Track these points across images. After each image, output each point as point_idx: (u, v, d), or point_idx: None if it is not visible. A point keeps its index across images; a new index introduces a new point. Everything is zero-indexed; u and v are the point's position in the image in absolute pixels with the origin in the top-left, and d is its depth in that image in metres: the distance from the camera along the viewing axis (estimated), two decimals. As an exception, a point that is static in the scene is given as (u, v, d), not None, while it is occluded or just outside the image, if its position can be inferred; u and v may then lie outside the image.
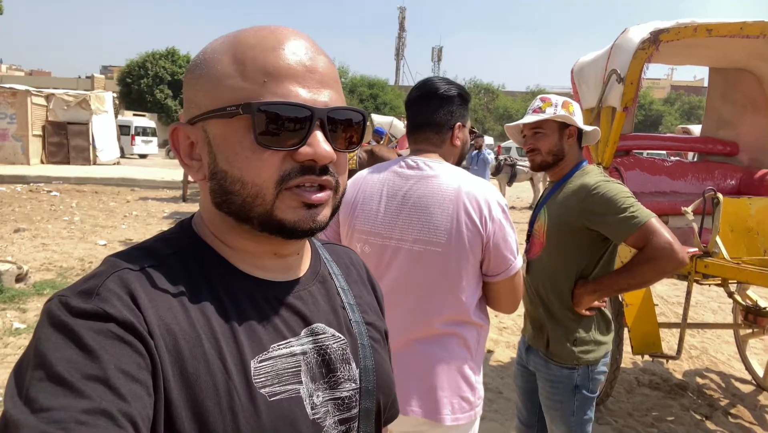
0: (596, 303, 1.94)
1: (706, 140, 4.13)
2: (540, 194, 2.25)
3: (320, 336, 0.72)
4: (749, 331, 3.96)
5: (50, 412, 0.48)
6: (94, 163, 18.44)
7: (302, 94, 0.63)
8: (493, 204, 1.48)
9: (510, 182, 14.55)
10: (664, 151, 9.00)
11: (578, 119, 1.99)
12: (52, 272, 5.90)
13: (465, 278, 1.46)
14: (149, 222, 9.34)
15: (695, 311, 5.81)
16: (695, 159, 4.81)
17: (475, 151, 10.59)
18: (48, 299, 0.58)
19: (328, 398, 0.70)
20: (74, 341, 0.53)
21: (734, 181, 3.93)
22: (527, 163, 14.50)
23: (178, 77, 38.95)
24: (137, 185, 14.69)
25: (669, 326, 3.57)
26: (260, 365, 0.64)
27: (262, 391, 0.63)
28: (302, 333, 0.70)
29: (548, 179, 2.17)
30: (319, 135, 0.63)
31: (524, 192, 16.42)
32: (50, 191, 12.34)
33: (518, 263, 1.54)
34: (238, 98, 0.63)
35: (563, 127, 1.98)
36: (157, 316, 0.59)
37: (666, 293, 6.27)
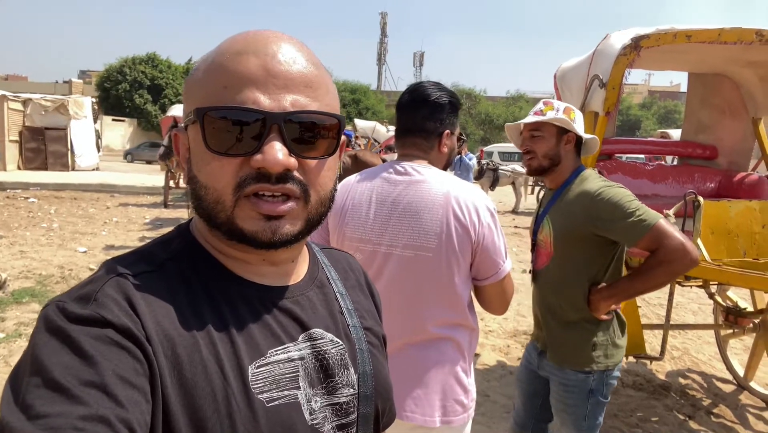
0: (613, 306, 1.94)
1: (686, 144, 4.21)
2: (538, 203, 2.26)
3: (318, 341, 0.71)
4: (730, 331, 4.03)
5: (47, 418, 0.48)
6: (73, 169, 18.14)
7: (261, 99, 0.61)
8: (482, 208, 1.49)
9: (492, 186, 14.66)
10: (642, 156, 9.15)
11: (579, 126, 1.97)
12: (31, 279, 5.78)
13: (456, 281, 1.47)
14: (130, 228, 9.21)
15: (676, 312, 5.90)
16: (674, 162, 4.90)
17: (458, 156, 10.64)
18: (45, 305, 0.58)
19: (326, 403, 0.70)
20: (71, 346, 0.53)
21: (714, 185, 4.01)
22: (509, 168, 14.67)
23: (158, 82, 38.59)
24: (117, 191, 14.48)
25: (652, 327, 3.62)
26: (258, 370, 0.64)
27: (260, 396, 0.62)
28: (300, 338, 0.69)
29: (546, 187, 2.16)
30: (274, 141, 0.61)
31: (506, 196, 16.56)
32: (28, 198, 12.11)
33: (507, 266, 1.56)
34: (199, 105, 0.63)
35: (562, 132, 1.97)
36: (154, 321, 0.59)
37: (647, 294, 6.35)
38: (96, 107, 21.57)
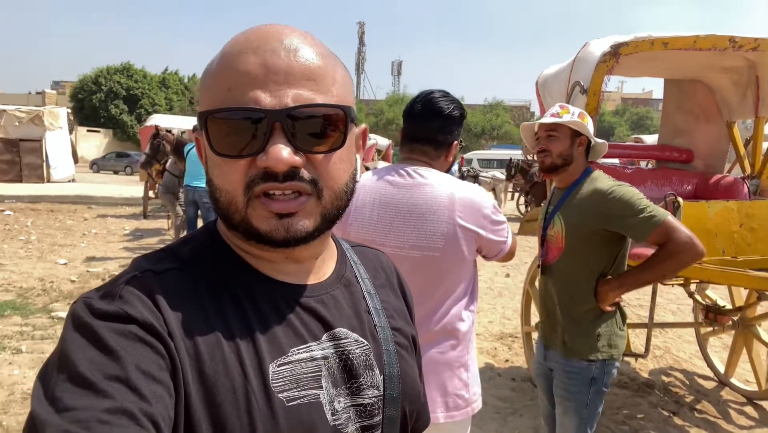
0: (618, 298, 2.02)
1: (663, 148, 4.33)
2: (546, 200, 2.37)
3: (342, 341, 0.70)
4: (710, 329, 4.14)
5: (74, 412, 0.49)
6: (48, 181, 17.82)
7: (262, 98, 0.60)
8: (486, 207, 1.57)
9: (473, 193, 14.81)
10: (616, 160, 9.35)
11: (591, 131, 2.09)
12: (12, 292, 5.67)
13: (461, 279, 1.52)
14: (110, 240, 9.09)
15: (656, 313, 6.00)
16: (649, 166, 5.03)
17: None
18: (74, 301, 0.59)
19: (349, 404, 0.69)
20: (96, 342, 0.54)
21: (691, 187, 4.13)
22: (489, 174, 14.82)
23: (134, 92, 38.19)
24: (94, 202, 14.27)
25: (636, 326, 3.71)
26: (279, 369, 0.63)
27: (280, 395, 0.62)
28: (323, 337, 0.69)
29: (555, 186, 2.27)
30: (278, 140, 0.60)
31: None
32: (3, 210, 11.86)
33: (509, 241, 1.66)
34: (204, 108, 0.63)
35: (576, 135, 2.08)
36: (177, 318, 0.59)
37: (627, 296, 6.47)
38: (71, 118, 21.24)
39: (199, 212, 7.07)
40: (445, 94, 1.65)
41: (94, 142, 36.16)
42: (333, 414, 0.66)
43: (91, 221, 11.29)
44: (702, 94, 4.10)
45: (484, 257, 1.64)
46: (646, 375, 4.32)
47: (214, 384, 0.59)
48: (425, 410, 0.87)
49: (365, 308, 0.76)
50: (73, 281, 6.21)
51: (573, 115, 2.08)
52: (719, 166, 4.10)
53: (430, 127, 1.61)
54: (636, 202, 1.93)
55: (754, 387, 3.95)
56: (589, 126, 2.10)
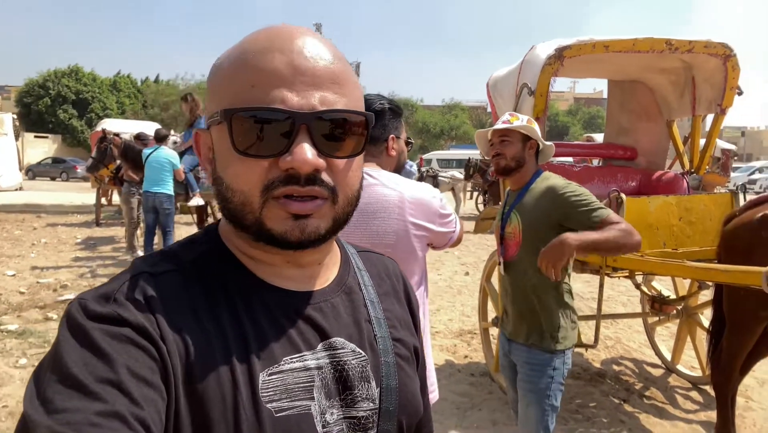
0: (554, 273, 2.04)
1: (609, 146, 4.51)
2: (502, 202, 2.51)
3: (338, 351, 0.68)
4: (656, 319, 4.34)
5: (65, 414, 0.49)
6: (-7, 190, 17.11)
7: (289, 98, 0.60)
8: (434, 202, 1.65)
9: (432, 193, 14.97)
10: (571, 158, 9.64)
11: (539, 135, 2.27)
12: (-45, 307, 5.44)
13: (413, 274, 1.59)
14: (61, 249, 8.79)
15: (607, 304, 6.25)
16: (599, 164, 5.22)
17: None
18: (70, 302, 0.59)
19: (342, 416, 0.67)
20: (89, 343, 0.54)
21: (635, 183, 4.32)
22: (448, 174, 14.97)
23: (84, 96, 37.00)
24: (44, 211, 13.75)
25: (586, 318, 3.85)
26: (269, 378, 0.62)
27: (269, 406, 0.60)
28: (319, 347, 0.67)
29: (509, 188, 2.43)
30: (303, 142, 0.60)
31: (447, 202, 16.88)
32: (-57, 221, 11.33)
33: (457, 229, 1.75)
34: (226, 105, 0.62)
35: (526, 139, 2.25)
36: (171, 321, 0.59)
37: (581, 289, 6.69)
38: (17, 124, 20.43)
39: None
40: (377, 95, 1.73)
41: (42, 149, 34.83)
42: (324, 426, 0.64)
43: (41, 230, 10.88)
44: (643, 94, 4.29)
45: (433, 247, 1.72)
46: (598, 365, 4.48)
47: (203, 391, 0.58)
48: (428, 424, 0.85)
49: (366, 317, 0.74)
50: (22, 293, 6.00)
51: (522, 121, 2.25)
52: (661, 162, 4.31)
53: None
54: (585, 198, 2.13)
55: (698, 373, 4.15)
56: (537, 130, 2.27)
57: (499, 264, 2.40)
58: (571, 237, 2.02)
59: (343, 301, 0.72)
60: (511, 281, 2.33)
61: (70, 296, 5.83)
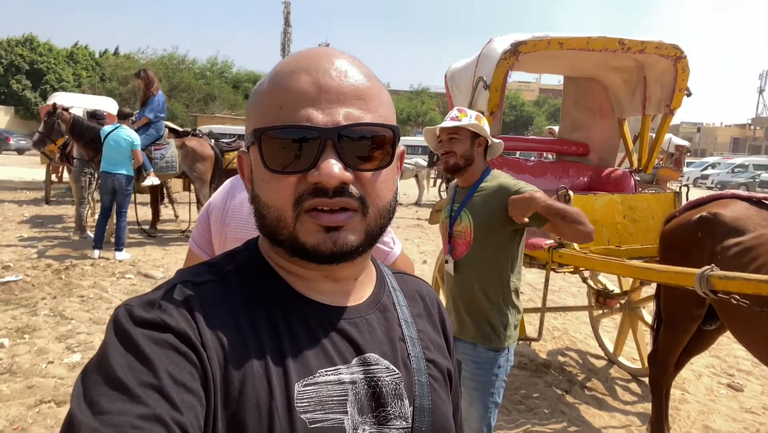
0: (525, 219, 2.09)
1: (562, 142, 4.57)
2: (448, 199, 2.49)
3: (373, 367, 0.69)
4: (601, 312, 4.45)
5: (109, 415, 0.51)
6: (-64, 162, 16.29)
7: (315, 116, 0.62)
8: None
9: (395, 179, 14.98)
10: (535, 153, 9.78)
11: (488, 132, 2.25)
12: None
13: None
14: (6, 227, 8.44)
15: (558, 295, 6.40)
16: (553, 159, 5.30)
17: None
18: (117, 307, 0.61)
19: None
20: (133, 348, 0.56)
21: (586, 179, 4.39)
22: (412, 161, 14.97)
23: (38, 66, 35.48)
24: (-10, 186, 13.20)
25: (532, 311, 3.92)
26: (304, 389, 0.63)
27: (303, 416, 0.61)
28: (353, 361, 0.68)
29: (457, 185, 2.40)
30: (330, 156, 0.62)
31: (410, 189, 16.96)
32: None
33: (396, 250, 1.68)
34: (257, 125, 0.65)
35: (475, 136, 2.24)
36: (211, 329, 0.61)
37: (535, 280, 6.82)
38: (-37, 93, 19.45)
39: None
40: None
41: (-7, 120, 33.31)
42: None
43: (-15, 206, 10.44)
44: (597, 91, 4.35)
45: None
46: (544, 356, 4.58)
47: (239, 398, 0.60)
48: None
49: (400, 336, 0.75)
50: (-41, 273, 5.74)
51: (471, 118, 2.22)
52: (611, 159, 4.39)
53: None
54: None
55: (638, 365, 4.29)
56: (486, 127, 2.24)
57: (446, 262, 2.39)
58: (541, 196, 2.07)
59: (378, 318, 0.74)
60: (460, 279, 2.32)
61: (12, 277, 5.61)
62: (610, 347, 4.53)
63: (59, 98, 11.42)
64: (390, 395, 0.69)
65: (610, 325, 5.16)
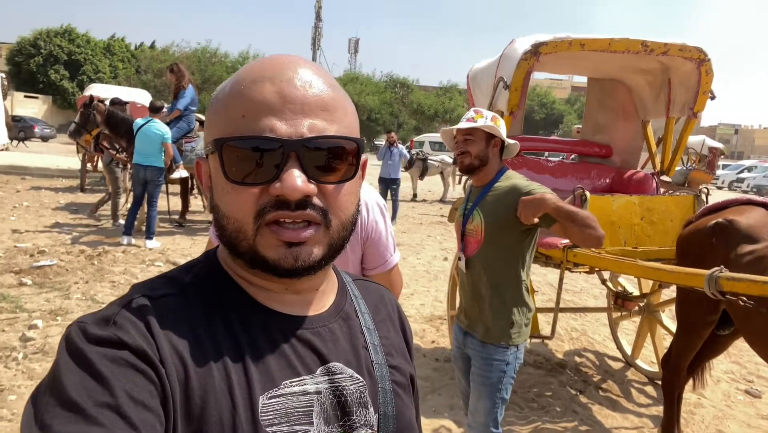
0: (530, 216, 2.11)
1: (585, 143, 4.56)
2: (464, 198, 2.54)
3: (337, 376, 0.69)
4: (619, 314, 4.44)
5: None
6: (-22, 149, 16.91)
7: (278, 127, 0.61)
8: (371, 204, 1.65)
9: (422, 176, 15.03)
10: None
11: (503, 133, 2.28)
12: (-70, 267, 5.45)
13: (347, 267, 1.62)
14: (42, 213, 8.78)
15: (579, 296, 6.38)
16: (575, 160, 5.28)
17: (389, 146, 10.82)
18: (69, 325, 0.60)
19: None
20: (87, 367, 0.54)
21: (608, 180, 4.38)
22: (438, 158, 14.96)
23: (76, 57, 36.43)
24: (29, 173, 13.66)
25: (545, 310, 3.94)
26: (269, 401, 0.62)
27: (269, 429, 0.61)
28: (318, 371, 0.67)
29: (472, 184, 2.45)
30: (293, 169, 0.61)
31: (435, 186, 16.95)
32: (-74, 179, 11.24)
33: (395, 259, 1.72)
34: (218, 134, 0.64)
35: (490, 137, 2.28)
36: (170, 345, 0.59)
37: (555, 280, 6.79)
38: (5, 83, 20.14)
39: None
40: None
41: (32, 109, 34.34)
42: None
43: (24, 193, 10.84)
44: (621, 93, 4.33)
45: (365, 270, 1.69)
46: (560, 356, 4.59)
47: (201, 414, 0.58)
48: None
49: (363, 344, 0.75)
50: (-2, 256, 6.02)
51: (486, 119, 2.27)
52: (634, 162, 4.37)
53: None
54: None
55: (656, 368, 4.27)
56: (502, 128, 2.29)
57: (459, 260, 2.45)
58: (552, 198, 2.10)
59: (341, 327, 0.73)
60: (471, 277, 2.37)
61: (47, 262, 5.86)
62: (628, 350, 4.51)
63: (95, 89, 11.78)
64: (355, 403, 0.69)
65: (630, 328, 5.14)
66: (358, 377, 0.71)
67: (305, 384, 0.65)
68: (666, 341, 4.08)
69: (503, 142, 2.33)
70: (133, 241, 7.08)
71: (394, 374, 0.77)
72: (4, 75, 20.12)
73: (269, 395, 0.62)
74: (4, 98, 19.44)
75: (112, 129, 7.72)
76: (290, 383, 0.64)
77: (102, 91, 11.75)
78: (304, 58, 0.68)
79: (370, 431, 0.70)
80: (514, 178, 2.31)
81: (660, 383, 4.11)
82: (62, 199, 10.41)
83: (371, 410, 0.71)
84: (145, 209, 7.27)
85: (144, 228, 7.34)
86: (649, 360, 4.45)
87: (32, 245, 6.61)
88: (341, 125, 0.65)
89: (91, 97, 7.84)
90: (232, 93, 0.64)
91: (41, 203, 9.74)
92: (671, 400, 3.11)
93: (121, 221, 7.95)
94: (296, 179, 0.60)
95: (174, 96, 8.09)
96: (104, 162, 8.39)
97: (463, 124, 2.29)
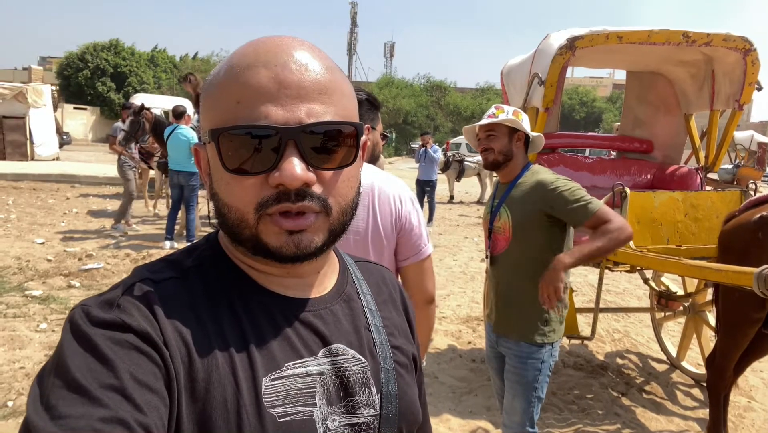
0: (554, 296, 2.08)
1: (624, 139, 4.44)
2: (491, 194, 2.51)
3: (339, 357, 0.69)
4: (662, 314, 4.30)
5: (68, 419, 0.49)
6: (32, 159, 17.69)
7: (275, 113, 0.59)
8: (404, 197, 1.68)
9: (458, 178, 14.91)
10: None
11: (526, 126, 2.25)
12: (-14, 271, 5.73)
13: (384, 260, 1.63)
14: (90, 220, 9.12)
15: (622, 297, 6.20)
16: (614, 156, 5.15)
17: (423, 148, 10.80)
18: (73, 308, 0.60)
19: (344, 423, 0.67)
20: (92, 349, 0.54)
21: (649, 176, 4.26)
22: (475, 159, 14.84)
23: (122, 69, 37.73)
24: (78, 181, 14.21)
25: (584, 310, 3.85)
26: (272, 383, 0.63)
27: (272, 411, 0.61)
28: (320, 353, 0.68)
29: (498, 181, 2.41)
30: (291, 156, 0.60)
31: (472, 187, 16.82)
32: (-16, 188, 11.83)
33: (428, 249, 1.72)
34: (214, 123, 0.62)
35: (513, 132, 2.24)
36: (173, 327, 0.59)
37: (597, 280, 6.64)
38: (56, 95, 21.04)
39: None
40: (357, 87, 1.77)
41: (81, 120, 35.77)
42: (325, 432, 0.65)
43: (73, 200, 11.28)
44: (662, 86, 4.20)
45: (398, 260, 1.70)
46: (602, 358, 4.47)
47: (205, 396, 0.59)
48: (428, 430, 0.88)
49: (365, 325, 0.75)
50: (49, 261, 6.27)
51: (507, 114, 2.23)
52: (676, 157, 4.23)
53: None
54: (576, 192, 2.12)
55: (703, 370, 4.11)
56: (525, 123, 2.24)
57: (486, 258, 2.42)
58: (563, 258, 2.05)
59: (343, 308, 0.73)
60: (499, 274, 2.34)
61: (94, 265, 6.08)
62: (673, 351, 4.37)
63: (138, 99, 12.17)
64: (357, 384, 0.69)
65: (675, 329, 4.97)
66: (361, 357, 0.71)
67: (308, 366, 0.66)
68: (713, 342, 3.92)
69: (527, 136, 2.29)
70: (176, 245, 7.28)
71: (397, 354, 0.77)
72: (55, 88, 21.03)
73: (272, 376, 0.63)
74: (55, 110, 20.31)
75: (157, 136, 7.96)
76: (293, 365, 0.65)
77: (145, 100, 12.14)
78: (299, 39, 0.66)
79: (372, 411, 0.70)
80: (540, 172, 2.26)
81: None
82: (109, 206, 10.77)
83: (374, 390, 0.71)
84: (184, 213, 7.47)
85: (185, 232, 7.54)
86: (695, 362, 4.30)
87: (81, 249, 6.88)
88: (339, 107, 0.64)
89: (142, 106, 8.09)
90: (226, 79, 0.62)
91: (90, 210, 10.12)
92: (717, 402, 2.99)
93: (121, 226, 8.11)
94: (295, 168, 0.59)
95: (196, 104, 8.33)
96: (117, 164, 8.67)
97: (484, 121, 2.26)
